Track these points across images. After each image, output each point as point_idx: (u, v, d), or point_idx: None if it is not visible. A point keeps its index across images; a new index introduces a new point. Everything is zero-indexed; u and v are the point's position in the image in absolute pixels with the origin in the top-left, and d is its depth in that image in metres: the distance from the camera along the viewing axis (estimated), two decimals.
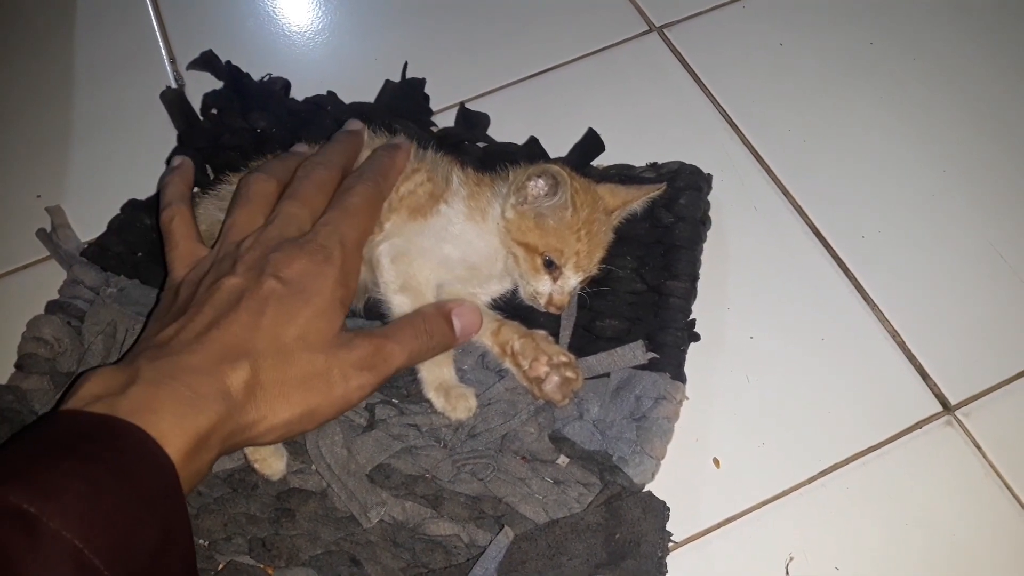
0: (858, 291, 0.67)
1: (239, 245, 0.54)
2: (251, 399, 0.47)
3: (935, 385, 0.63)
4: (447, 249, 0.62)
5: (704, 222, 0.68)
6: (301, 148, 0.66)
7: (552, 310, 0.62)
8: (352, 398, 0.51)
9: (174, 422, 0.43)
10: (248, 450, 0.56)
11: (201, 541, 0.56)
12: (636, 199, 0.64)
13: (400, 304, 0.60)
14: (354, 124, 0.66)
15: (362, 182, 0.59)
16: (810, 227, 0.71)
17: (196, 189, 0.71)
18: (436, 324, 0.56)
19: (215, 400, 0.46)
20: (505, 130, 0.76)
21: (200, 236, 0.59)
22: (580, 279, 0.62)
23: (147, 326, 0.55)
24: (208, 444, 0.45)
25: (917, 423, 0.61)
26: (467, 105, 0.78)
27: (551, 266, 0.61)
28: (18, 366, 0.63)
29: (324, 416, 0.51)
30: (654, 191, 0.64)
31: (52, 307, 0.65)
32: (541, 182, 0.60)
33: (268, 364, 0.48)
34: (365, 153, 0.64)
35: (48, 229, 0.71)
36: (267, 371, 0.48)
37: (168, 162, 0.66)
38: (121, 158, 0.78)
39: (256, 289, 0.50)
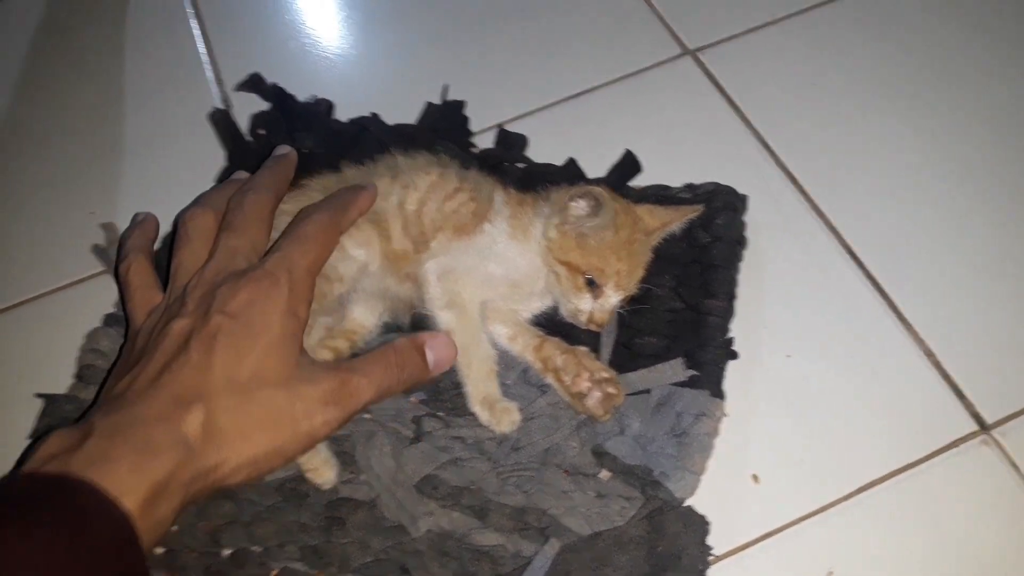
0: (892, 310, 0.68)
1: (186, 287, 0.53)
2: (210, 442, 0.46)
3: (971, 404, 0.64)
4: (491, 267, 0.63)
5: (740, 242, 0.69)
6: (240, 175, 0.65)
7: (592, 327, 0.63)
8: (318, 434, 0.50)
9: (129, 472, 0.42)
10: (302, 460, 0.58)
11: (255, 548, 0.57)
12: (676, 221, 0.65)
13: (447, 320, 0.62)
14: (283, 149, 0.66)
15: (318, 211, 0.58)
16: (844, 247, 0.72)
17: None
18: (408, 356, 0.55)
19: (171, 447, 0.44)
20: (543, 151, 0.78)
21: (158, 283, 0.58)
22: (621, 297, 0.63)
23: (106, 380, 0.54)
24: (168, 491, 0.44)
25: (953, 442, 0.62)
26: (505, 127, 0.80)
27: (592, 285, 0.62)
28: (78, 376, 0.65)
29: (292, 453, 0.50)
30: (693, 213, 0.66)
31: (109, 320, 0.67)
32: (583, 203, 0.61)
33: (224, 404, 0.47)
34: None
35: (102, 245, 0.74)
36: (223, 412, 0.47)
37: (134, 218, 0.67)
38: (171, 176, 0.80)
39: (203, 328, 0.49)
